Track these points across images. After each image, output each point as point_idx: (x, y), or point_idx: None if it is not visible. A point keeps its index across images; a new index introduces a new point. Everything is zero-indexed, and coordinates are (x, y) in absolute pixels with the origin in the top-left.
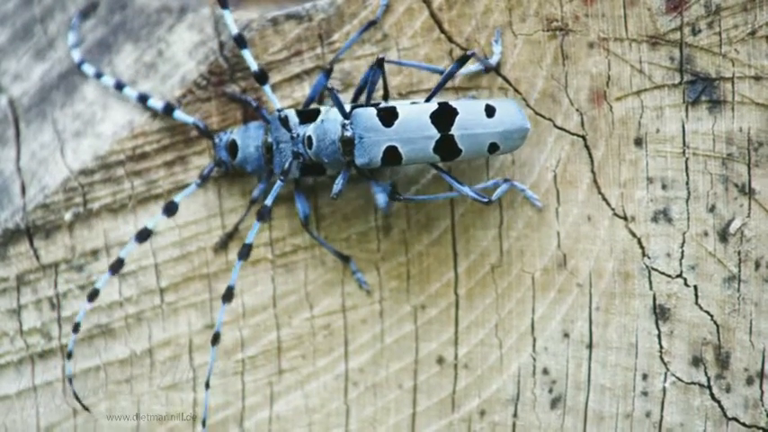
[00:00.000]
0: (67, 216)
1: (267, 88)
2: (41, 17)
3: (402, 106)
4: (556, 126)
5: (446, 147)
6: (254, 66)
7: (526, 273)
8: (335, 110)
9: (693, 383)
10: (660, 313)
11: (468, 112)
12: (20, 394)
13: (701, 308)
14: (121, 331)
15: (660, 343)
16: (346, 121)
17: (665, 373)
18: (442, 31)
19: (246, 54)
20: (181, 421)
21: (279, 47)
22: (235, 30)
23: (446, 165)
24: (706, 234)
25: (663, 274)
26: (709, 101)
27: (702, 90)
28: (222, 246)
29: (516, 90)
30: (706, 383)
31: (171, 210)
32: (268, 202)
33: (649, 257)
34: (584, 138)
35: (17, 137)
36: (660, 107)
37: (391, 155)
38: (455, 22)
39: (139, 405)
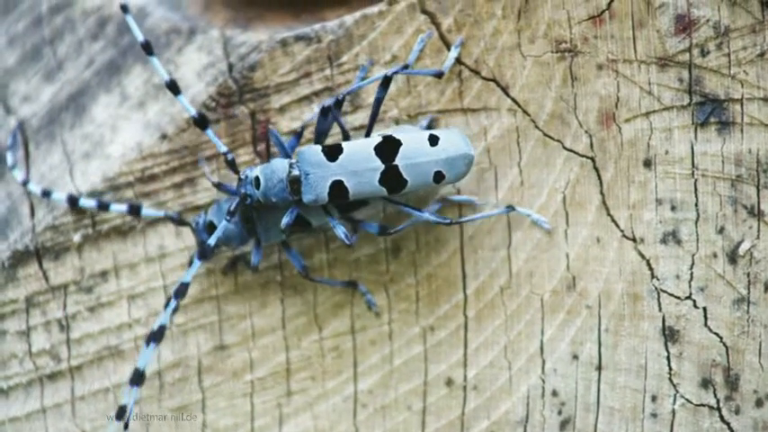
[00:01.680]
0: (76, 238)
1: (209, 132)
2: (51, 39)
3: (347, 142)
4: (565, 148)
5: (391, 177)
6: (192, 111)
7: (535, 294)
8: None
9: (703, 405)
10: (669, 335)
11: (412, 142)
12: (29, 416)
13: (710, 330)
14: (131, 353)
15: (669, 365)
16: (292, 160)
17: (675, 395)
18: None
19: (182, 99)
20: None
21: (288, 68)
22: (166, 76)
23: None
24: (715, 256)
25: (672, 295)
26: (718, 122)
27: (711, 111)
28: (230, 268)
29: (525, 111)
30: (715, 405)
31: (183, 293)
32: (211, 241)
33: (658, 279)
34: (593, 159)
35: (26, 158)
36: (669, 128)
37: (337, 189)
38: (464, 43)
39: (148, 427)
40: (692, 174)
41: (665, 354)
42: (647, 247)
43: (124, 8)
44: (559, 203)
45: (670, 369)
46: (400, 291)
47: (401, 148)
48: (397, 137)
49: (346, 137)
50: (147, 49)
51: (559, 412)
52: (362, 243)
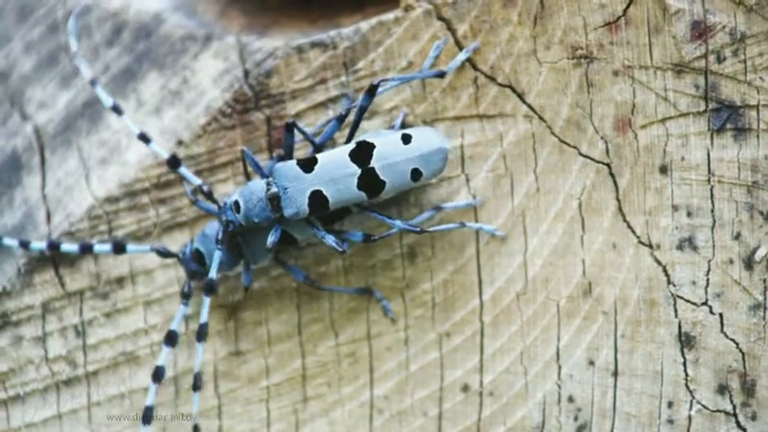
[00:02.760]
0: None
1: (182, 170)
2: (66, 45)
3: (322, 153)
4: (581, 154)
5: (369, 181)
6: (164, 154)
7: (551, 300)
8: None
9: (719, 411)
10: (686, 341)
11: (386, 143)
12: (45, 422)
13: (726, 336)
14: (146, 359)
15: (686, 371)
16: (269, 178)
17: (691, 401)
18: (467, 59)
19: (153, 146)
20: None
21: (304, 75)
22: (136, 130)
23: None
24: (731, 262)
25: (688, 301)
26: (734, 128)
27: (727, 118)
28: (232, 310)
29: (541, 118)
30: (732, 411)
31: (172, 339)
32: (212, 274)
33: (675, 285)
34: (609, 165)
35: (42, 164)
36: (685, 135)
37: (317, 199)
38: (480, 49)
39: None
40: (709, 180)
41: (682, 360)
42: (664, 253)
43: (92, 82)
44: (575, 209)
45: (686, 375)
46: (416, 297)
47: (375, 151)
48: (370, 140)
49: (316, 148)
50: (117, 110)
51: (576, 418)
52: (378, 249)
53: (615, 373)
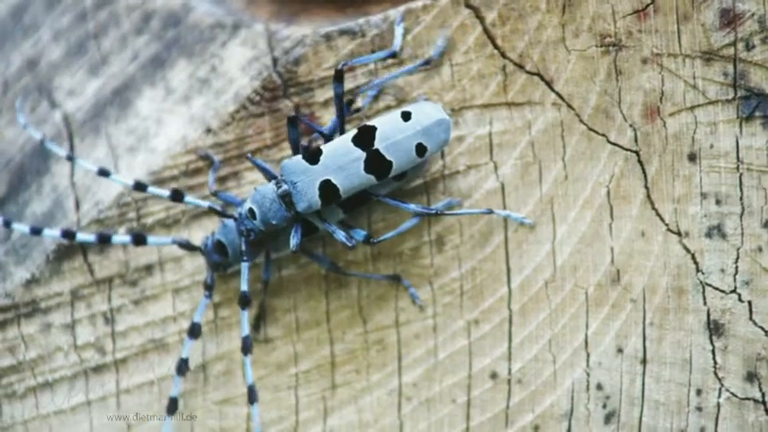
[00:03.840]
0: (121, 231)
1: (188, 199)
2: (95, 33)
3: (326, 143)
4: (609, 142)
5: (376, 162)
6: (164, 193)
7: (580, 288)
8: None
9: (748, 399)
10: (714, 329)
11: (386, 123)
12: (74, 409)
13: (755, 323)
14: (175, 346)
15: (714, 358)
16: (278, 178)
17: (720, 389)
18: (495, 46)
19: (153, 190)
20: None
21: (332, 62)
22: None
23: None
24: (760, 249)
25: (717, 289)
26: (763, 116)
27: (756, 105)
28: (257, 328)
29: (569, 106)
30: (761, 399)
31: (195, 332)
32: (243, 287)
33: (703, 273)
34: (637, 153)
35: (71, 152)
36: (714, 123)
37: (328, 189)
38: (508, 37)
39: (193, 420)
40: (737, 168)
41: (710, 347)
42: (692, 240)
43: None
44: (604, 197)
45: (715, 363)
46: (444, 284)
47: (377, 132)
48: (370, 123)
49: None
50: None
51: (604, 405)
52: (406, 237)
53: (644, 361)
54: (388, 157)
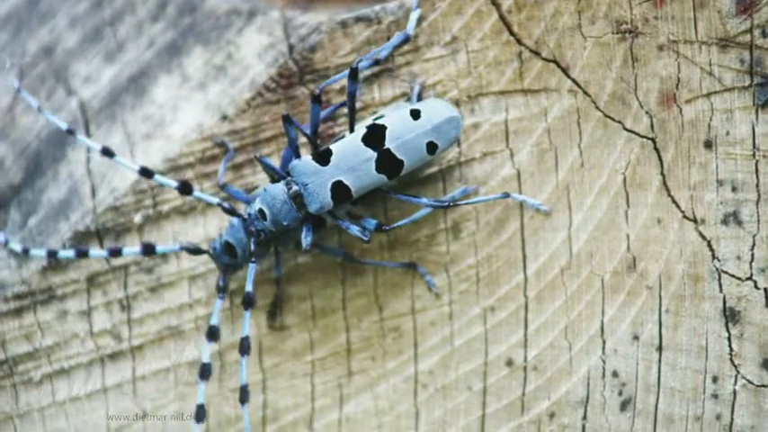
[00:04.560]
0: (137, 218)
1: (197, 193)
2: (111, 20)
3: (335, 143)
4: (625, 129)
5: (387, 162)
6: (173, 183)
7: (596, 275)
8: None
9: (764, 386)
10: (730, 316)
11: (396, 122)
12: (90, 396)
13: None
14: (191, 333)
15: (730, 345)
16: (288, 178)
17: (736, 376)
18: (512, 33)
19: (160, 179)
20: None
21: (348, 49)
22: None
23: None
24: None
25: (733, 276)
26: None
27: None
28: (273, 317)
29: (586, 93)
30: None
31: (214, 335)
32: (249, 287)
33: (719, 260)
34: (653, 140)
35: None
36: (730, 109)
37: (339, 190)
38: (524, 24)
39: (209, 407)
40: (754, 155)
41: (726, 335)
42: (708, 227)
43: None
44: (620, 184)
45: (731, 350)
46: (460, 272)
47: (387, 132)
48: (380, 122)
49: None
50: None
51: (620, 393)
52: (422, 224)
53: (660, 348)
54: (399, 156)
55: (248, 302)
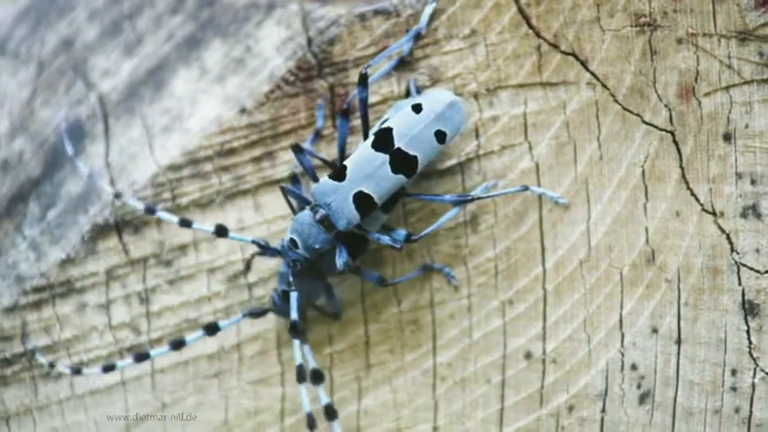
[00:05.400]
0: (159, 208)
1: (231, 236)
2: (130, 13)
3: (348, 159)
4: (644, 122)
5: (401, 161)
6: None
7: (614, 268)
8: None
9: None
10: (749, 309)
11: (401, 121)
12: (109, 388)
13: None
14: None
15: (749, 338)
16: (311, 203)
17: (755, 369)
18: (530, 26)
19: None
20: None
21: (367, 42)
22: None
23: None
24: None
25: (752, 269)
26: None
27: None
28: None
29: (604, 86)
30: None
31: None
32: (293, 316)
33: (738, 253)
34: (672, 133)
35: (106, 132)
36: (749, 102)
37: (362, 200)
38: (543, 17)
39: (228, 399)
40: None
41: (745, 327)
42: (727, 220)
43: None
44: (638, 177)
45: (750, 343)
46: (479, 264)
47: (394, 132)
48: (385, 126)
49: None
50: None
51: (638, 386)
52: (441, 216)
53: (678, 341)
54: (411, 152)
55: (296, 331)
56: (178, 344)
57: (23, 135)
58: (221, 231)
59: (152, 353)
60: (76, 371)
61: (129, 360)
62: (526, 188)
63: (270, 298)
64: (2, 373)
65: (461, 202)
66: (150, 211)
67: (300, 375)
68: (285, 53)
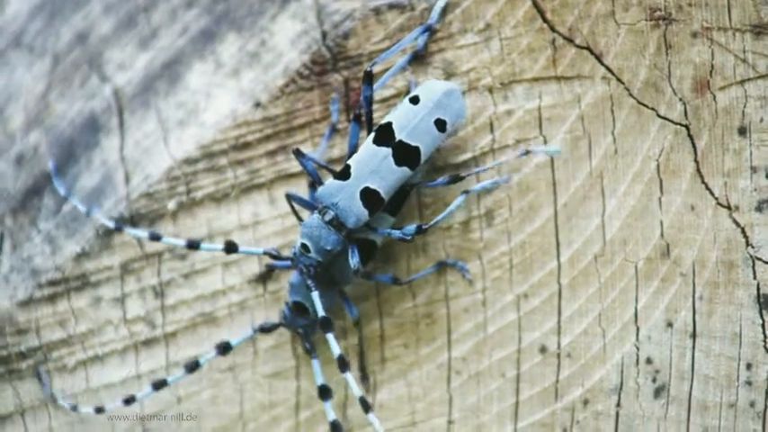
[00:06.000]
0: (171, 205)
1: (242, 249)
2: (145, 6)
3: (351, 158)
4: (659, 116)
5: (404, 153)
6: (218, 247)
7: (629, 262)
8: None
9: None
10: (764, 303)
11: (399, 114)
12: (124, 382)
13: None
14: (225, 320)
15: (764, 332)
16: (318, 206)
17: None
18: (545, 20)
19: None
20: (284, 410)
21: (381, 36)
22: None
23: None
24: None
25: (767, 263)
26: None
27: None
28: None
29: (619, 80)
30: None
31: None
32: (321, 313)
33: (753, 247)
34: (687, 127)
35: (121, 126)
36: (764, 96)
37: (369, 196)
38: (558, 11)
39: (243, 393)
40: None
41: (760, 321)
42: (742, 214)
43: (325, 323)
44: (653, 171)
45: (765, 337)
46: (494, 258)
47: (394, 125)
48: (384, 121)
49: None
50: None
51: (654, 380)
52: (456, 211)
53: (693, 335)
54: (413, 143)
55: (326, 325)
56: (193, 366)
57: (38, 129)
58: (231, 248)
59: (169, 379)
60: (99, 410)
61: (147, 390)
62: (528, 152)
63: (280, 312)
64: (17, 366)
65: (452, 181)
66: (119, 229)
67: (343, 365)
68: (300, 47)
